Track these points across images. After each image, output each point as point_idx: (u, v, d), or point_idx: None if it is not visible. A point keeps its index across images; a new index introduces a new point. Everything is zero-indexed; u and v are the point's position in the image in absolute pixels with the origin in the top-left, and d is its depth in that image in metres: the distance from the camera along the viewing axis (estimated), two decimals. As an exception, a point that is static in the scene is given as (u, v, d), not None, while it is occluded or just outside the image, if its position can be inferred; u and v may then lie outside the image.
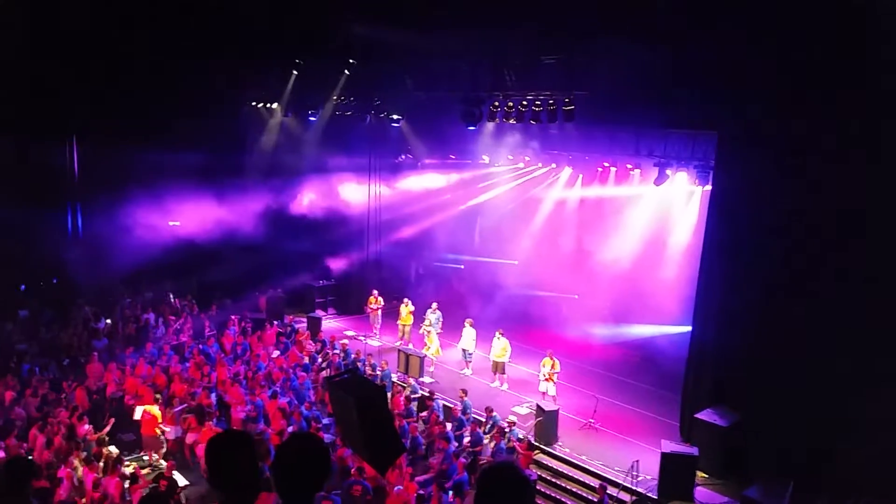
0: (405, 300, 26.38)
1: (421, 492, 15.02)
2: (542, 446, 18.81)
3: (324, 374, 22.10)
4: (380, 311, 27.43)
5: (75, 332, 24.45)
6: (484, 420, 19.02)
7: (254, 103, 29.10)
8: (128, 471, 15.89)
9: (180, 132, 24.85)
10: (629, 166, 24.73)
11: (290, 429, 17.67)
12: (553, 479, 17.99)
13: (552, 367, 20.59)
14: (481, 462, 17.33)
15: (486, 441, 18.18)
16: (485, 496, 3.61)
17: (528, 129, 24.19)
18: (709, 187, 19.90)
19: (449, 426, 18.65)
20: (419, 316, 25.65)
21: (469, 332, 23.53)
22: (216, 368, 21.75)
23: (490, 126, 24.43)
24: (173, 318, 26.40)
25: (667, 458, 16.20)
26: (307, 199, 29.72)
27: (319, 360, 23.49)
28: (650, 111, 18.89)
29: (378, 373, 21.87)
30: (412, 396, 20.73)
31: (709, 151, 19.69)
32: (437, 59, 22.72)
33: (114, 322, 25.86)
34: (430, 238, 31.31)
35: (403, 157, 31.32)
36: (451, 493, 15.60)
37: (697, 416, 17.73)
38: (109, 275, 27.24)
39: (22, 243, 25.42)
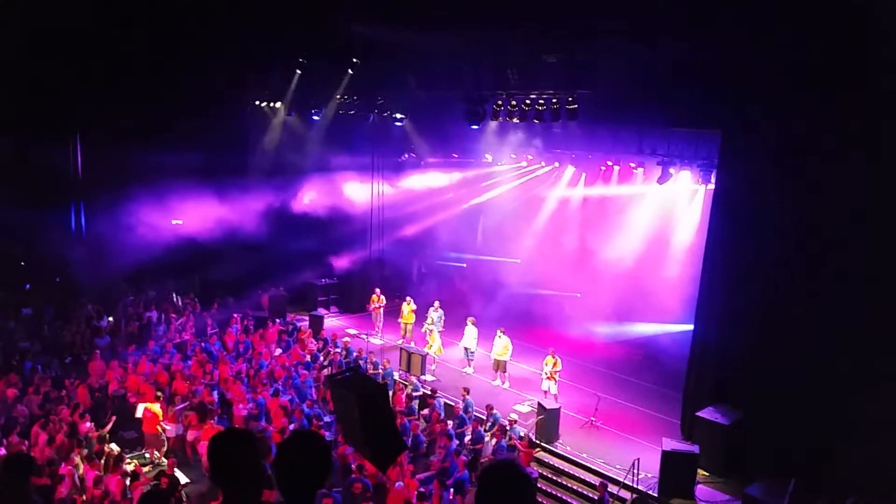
0: (407, 298, 26.39)
1: (422, 489, 15.04)
2: (543, 444, 18.83)
3: (325, 372, 22.13)
4: (382, 310, 27.45)
5: (78, 330, 24.48)
6: (485, 418, 19.05)
7: (257, 102, 29.14)
8: (129, 468, 15.94)
9: (183, 131, 24.89)
10: (632, 165, 24.77)
11: (291, 426, 17.70)
12: (554, 477, 18.00)
13: (554, 365, 20.62)
14: (482, 460, 17.37)
15: (487, 439, 18.20)
16: (486, 494, 3.64)
17: (531, 128, 24.19)
18: (712, 186, 19.92)
19: (450, 424, 18.68)
20: (421, 314, 25.66)
21: (471, 331, 23.55)
22: (218, 366, 21.78)
23: (493, 125, 24.39)
24: (175, 316, 26.43)
25: (668, 457, 16.23)
26: (310, 198, 29.71)
27: (321, 358, 23.53)
28: (653, 110, 18.90)
29: (380, 371, 21.91)
30: (414, 394, 20.75)
31: (712, 150, 19.67)
32: (439, 58, 22.71)
33: (116, 320, 25.90)
34: (433, 237, 31.35)
35: (406, 155, 31.33)
36: (451, 490, 15.62)
37: (699, 414, 17.75)
38: (112, 273, 27.26)
39: (25, 243, 25.49)
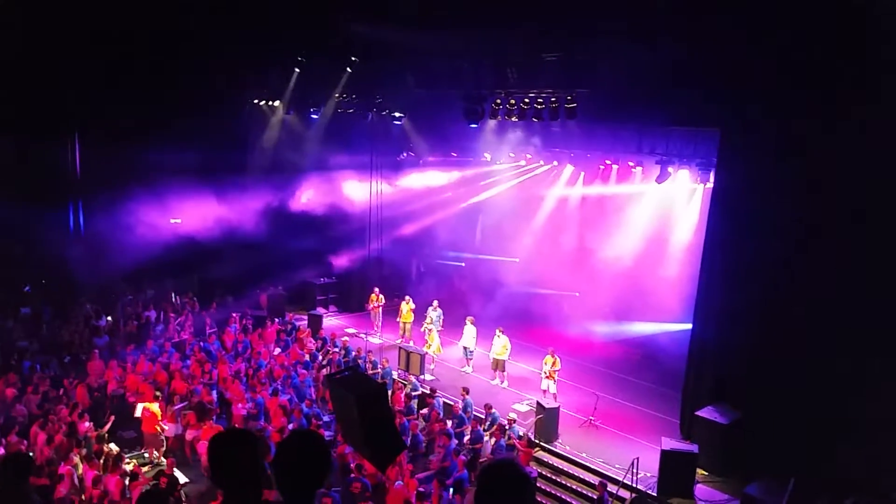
0: (406, 297, 26.40)
1: (421, 489, 15.04)
2: (542, 444, 18.83)
3: (324, 371, 22.12)
4: (381, 309, 27.44)
5: (76, 329, 24.48)
6: (483, 417, 19.05)
7: (256, 101, 29.12)
8: (128, 468, 15.93)
9: (181, 130, 24.84)
10: (631, 164, 24.77)
11: (290, 426, 17.70)
12: (553, 477, 18.01)
13: (553, 364, 20.61)
14: (481, 459, 17.37)
15: (486, 438, 18.20)
16: (485, 493, 3.63)
17: (530, 127, 24.18)
18: (711, 185, 19.92)
19: (449, 423, 18.68)
20: (420, 313, 25.66)
21: (470, 330, 23.55)
22: (217, 366, 21.77)
23: (492, 123, 24.40)
24: (173, 315, 26.42)
25: (667, 456, 16.22)
26: (308, 197, 29.70)
27: (320, 357, 23.52)
28: (652, 109, 18.92)
29: (379, 370, 21.91)
30: (413, 394, 20.75)
31: (711, 149, 19.64)
32: (438, 56, 22.71)
33: (115, 319, 25.89)
34: (432, 236, 31.35)
35: (405, 154, 31.32)
36: (451, 490, 15.62)
37: (698, 413, 17.75)
38: (110, 272, 27.27)
39: (24, 242, 25.47)
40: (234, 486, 3.83)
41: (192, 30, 22.62)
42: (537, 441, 18.81)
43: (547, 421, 18.96)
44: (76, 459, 15.86)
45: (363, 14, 21.40)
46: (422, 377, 22.41)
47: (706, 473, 17.14)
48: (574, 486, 17.60)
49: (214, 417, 18.79)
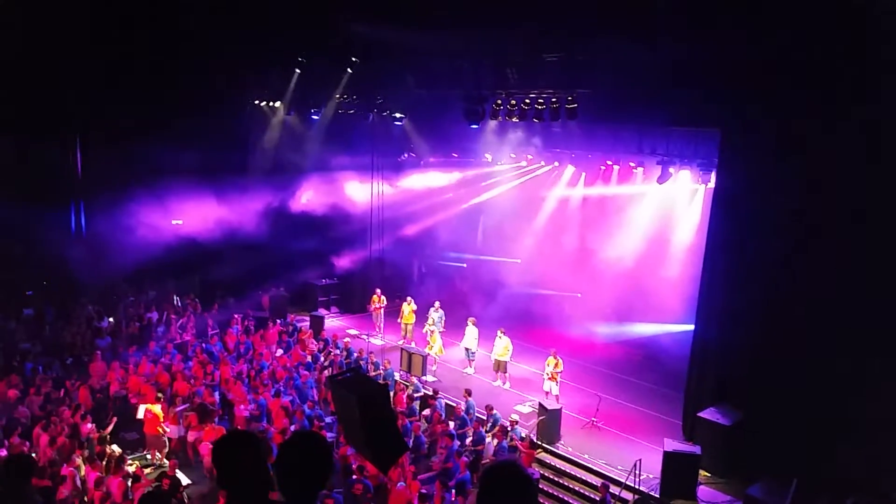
0: (408, 299, 26.38)
1: (423, 490, 15.05)
2: (544, 445, 18.82)
3: (326, 372, 22.12)
4: (382, 310, 27.44)
5: (79, 330, 24.49)
6: (485, 418, 19.04)
7: (256, 102, 29.12)
8: (130, 469, 15.95)
9: (183, 131, 24.84)
10: (632, 164, 24.74)
11: (292, 427, 17.71)
12: (555, 478, 17.99)
13: (555, 366, 20.60)
14: (484, 461, 17.36)
15: (488, 440, 18.20)
16: (487, 495, 3.63)
17: (531, 128, 24.19)
18: (712, 185, 19.91)
19: (451, 425, 18.68)
20: (421, 314, 25.64)
21: (472, 331, 23.54)
22: (219, 367, 21.78)
23: (492, 124, 24.37)
24: (175, 316, 26.41)
25: (669, 457, 16.21)
26: (309, 198, 29.70)
27: (322, 358, 23.52)
28: (652, 109, 18.92)
29: (380, 372, 21.90)
30: (415, 395, 20.76)
31: (712, 150, 19.60)
32: (439, 57, 22.72)
33: (117, 321, 25.91)
34: (433, 236, 31.35)
35: (406, 155, 31.32)
36: (453, 491, 15.62)
37: (700, 414, 17.74)
38: (112, 273, 27.29)
39: (25, 242, 25.49)
40: (238, 488, 3.84)
41: (192, 30, 22.65)
42: (539, 442, 18.81)
43: (549, 422, 18.95)
44: (78, 461, 15.88)
45: (363, 14, 21.41)
46: (424, 378, 22.41)
47: (709, 475, 17.13)
48: (576, 488, 17.59)
49: (217, 419, 18.80)
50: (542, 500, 17.15)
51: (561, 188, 28.71)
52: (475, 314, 24.30)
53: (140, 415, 18.46)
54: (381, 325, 27.51)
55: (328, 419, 19.04)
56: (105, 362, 21.62)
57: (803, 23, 14.75)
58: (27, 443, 16.50)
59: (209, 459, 16.46)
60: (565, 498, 17.46)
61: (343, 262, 30.50)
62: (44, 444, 16.35)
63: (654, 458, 16.79)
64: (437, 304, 25.22)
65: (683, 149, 21.76)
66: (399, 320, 26.22)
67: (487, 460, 17.38)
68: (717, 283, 18.31)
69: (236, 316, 26.29)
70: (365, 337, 26.57)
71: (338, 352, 23.68)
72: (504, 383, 22.56)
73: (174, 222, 27.09)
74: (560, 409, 19.42)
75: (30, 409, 18.56)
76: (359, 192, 29.75)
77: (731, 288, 17.86)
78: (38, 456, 15.85)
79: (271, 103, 28.93)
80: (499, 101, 21.72)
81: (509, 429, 18.15)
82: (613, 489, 16.25)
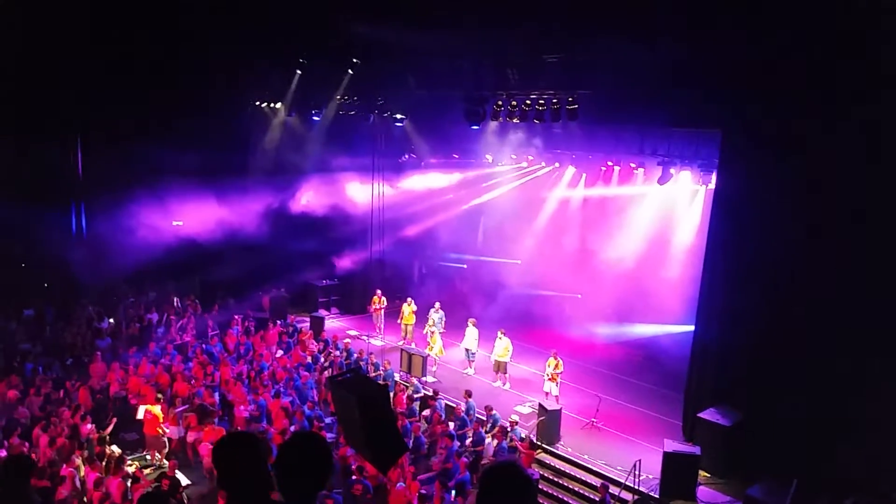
0: (408, 299, 26.37)
1: (423, 491, 15.05)
2: (544, 445, 18.82)
3: (326, 373, 22.12)
4: (383, 311, 27.44)
5: (79, 331, 24.50)
6: (485, 419, 19.04)
7: (257, 103, 29.13)
8: (130, 470, 15.95)
9: (183, 132, 24.85)
10: (633, 165, 24.75)
11: (292, 428, 17.71)
12: (555, 479, 17.98)
13: (556, 367, 20.59)
14: (483, 461, 17.36)
15: (488, 440, 18.19)
16: (487, 495, 3.63)
17: (532, 129, 24.23)
18: (712, 186, 19.92)
19: (451, 425, 18.68)
20: (422, 315, 25.63)
21: (472, 332, 23.53)
22: (219, 368, 21.79)
23: (493, 125, 24.39)
24: (174, 318, 26.41)
25: (669, 458, 16.21)
26: (309, 199, 29.70)
27: (322, 359, 23.52)
28: (653, 110, 18.90)
29: (380, 372, 21.90)
30: (415, 396, 20.76)
31: (712, 150, 19.62)
32: (439, 58, 22.73)
33: (117, 322, 25.91)
34: (434, 237, 31.37)
35: (407, 156, 31.34)
36: (453, 492, 15.62)
37: (700, 415, 17.74)
38: (112, 274, 27.28)
39: (25, 243, 25.48)
40: (239, 489, 3.84)
41: (192, 30, 22.65)
42: (539, 443, 18.80)
43: (549, 423, 18.94)
44: (78, 461, 15.88)
45: (364, 15, 21.41)
46: (424, 379, 22.40)
47: (708, 475, 17.12)
48: (576, 489, 17.58)
49: (216, 419, 18.80)
50: (541, 501, 17.15)
51: (561, 189, 28.73)
52: (475, 315, 24.30)
53: (140, 415, 18.46)
54: (382, 325, 27.51)
55: (328, 420, 19.04)
56: (105, 363, 21.61)
57: (803, 23, 14.76)
58: (27, 443, 16.50)
59: (209, 460, 16.47)
60: (565, 498, 17.44)
61: (343, 262, 30.51)
62: (43, 444, 16.35)
63: (654, 458, 16.78)
64: (437, 304, 25.21)
65: (684, 149, 21.78)
66: (399, 321, 26.22)
67: (487, 461, 17.36)
68: (717, 284, 18.31)
69: (236, 317, 26.29)
70: (365, 338, 26.58)
71: (338, 353, 23.68)
72: (504, 384, 22.55)
73: (175, 223, 27.07)
74: (560, 410, 19.42)
75: (30, 409, 18.56)
76: (359, 192, 29.77)
77: (731, 288, 17.85)
78: (37, 456, 15.87)
79: (272, 104, 28.93)
80: (499, 102, 21.74)
81: (509, 429, 18.15)
82: (613, 490, 16.25)
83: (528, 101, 21.18)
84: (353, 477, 15.56)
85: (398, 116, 27.31)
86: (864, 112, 14.34)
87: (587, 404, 20.48)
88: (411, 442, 17.70)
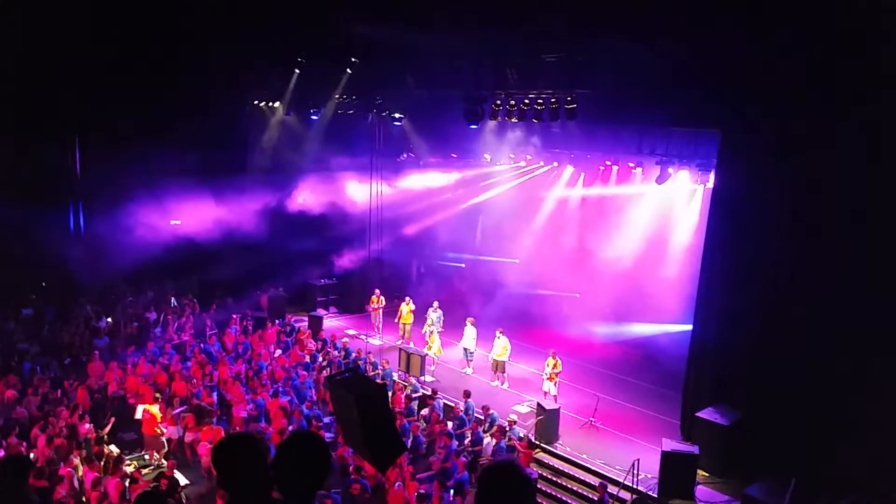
0: (406, 299, 26.37)
1: (422, 490, 15.03)
2: (542, 445, 18.82)
3: (325, 373, 22.10)
4: (381, 311, 27.43)
5: (77, 330, 24.47)
6: (483, 419, 19.03)
7: (255, 102, 29.11)
8: (129, 470, 15.93)
9: (182, 131, 24.79)
10: (631, 164, 24.74)
11: (290, 427, 17.70)
12: (554, 478, 17.99)
13: (554, 367, 20.58)
14: (482, 461, 17.35)
15: (486, 440, 18.18)
16: (486, 495, 3.63)
17: (530, 128, 24.23)
18: (710, 185, 19.91)
19: (450, 425, 18.67)
20: (420, 315, 25.63)
21: (470, 331, 23.52)
22: (218, 367, 21.77)
23: (492, 124, 24.40)
24: (171, 318, 26.37)
25: (667, 457, 16.21)
26: (308, 198, 29.69)
27: (320, 358, 23.51)
28: (652, 109, 18.91)
29: (379, 372, 21.89)
30: (413, 395, 20.75)
31: (711, 150, 19.61)
32: (438, 57, 22.69)
33: (115, 321, 25.87)
34: (432, 237, 31.36)
35: (405, 155, 31.33)
36: (451, 491, 15.61)
37: (698, 414, 17.75)
38: (111, 274, 27.26)
39: (23, 242, 25.44)
40: (239, 490, 3.83)
41: (191, 30, 22.63)
42: (538, 442, 18.80)
43: (547, 422, 18.95)
44: (76, 461, 15.86)
45: (363, 14, 21.38)
46: (422, 379, 22.40)
47: (707, 474, 17.13)
48: (574, 488, 17.58)
49: (215, 419, 18.78)
50: (540, 500, 17.15)
51: (560, 188, 28.72)
52: (474, 314, 24.31)
53: (138, 415, 18.44)
54: (380, 325, 27.49)
55: (326, 419, 19.04)
56: (103, 362, 21.58)
57: (803, 23, 14.75)
58: (24, 443, 16.48)
59: (207, 459, 16.46)
60: (563, 498, 17.45)
61: (342, 262, 30.49)
62: (41, 444, 16.32)
63: (653, 457, 16.79)
64: (435, 304, 25.19)
65: (683, 149, 21.78)
66: (397, 320, 26.20)
67: (486, 460, 17.36)
68: (715, 283, 18.31)
69: (235, 316, 26.29)
70: (363, 337, 26.57)
71: (336, 352, 23.69)
72: (502, 383, 22.54)
73: (173, 222, 27.05)
74: (558, 409, 19.43)
75: (28, 409, 18.53)
76: (358, 192, 29.72)
77: (729, 288, 17.86)
78: (35, 456, 15.85)
79: (270, 103, 28.92)
80: (498, 102, 21.71)
81: (507, 429, 18.14)
82: (612, 489, 16.26)
83: (526, 101, 21.15)
84: (352, 476, 15.55)
85: (396, 115, 27.27)
86: (864, 112, 14.34)
87: (586, 404, 20.47)
88: (410, 441, 17.69)
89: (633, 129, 22.82)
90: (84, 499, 14.95)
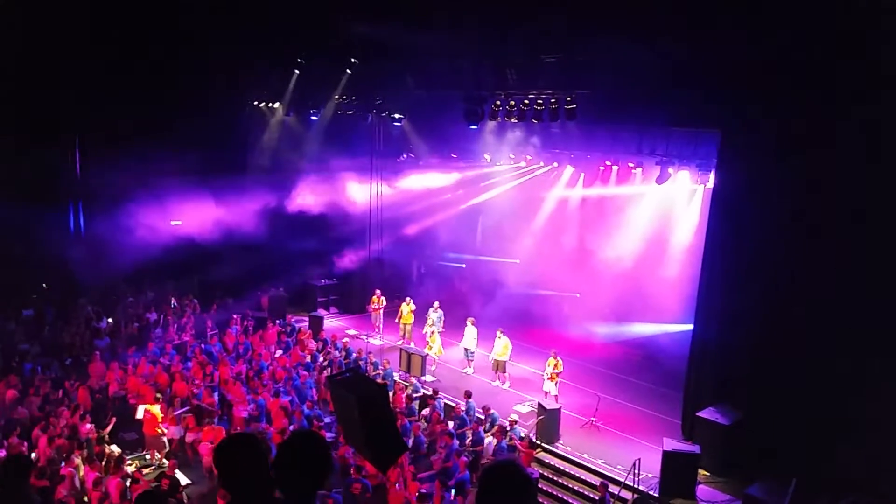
0: (406, 299, 26.36)
1: (423, 489, 15.04)
2: (543, 444, 18.82)
3: (326, 373, 22.11)
4: (382, 311, 27.43)
5: (77, 331, 24.47)
6: (483, 418, 19.03)
7: (255, 102, 29.12)
8: (130, 469, 15.94)
9: (181, 131, 24.78)
10: (631, 165, 24.73)
11: (291, 427, 17.70)
12: (555, 478, 17.99)
13: (555, 367, 20.58)
14: (483, 461, 17.35)
15: (487, 440, 18.18)
16: (487, 494, 3.63)
17: (530, 128, 24.23)
18: (710, 185, 19.91)
19: (450, 425, 18.67)
20: (420, 315, 25.63)
21: (471, 331, 23.53)
22: (218, 367, 21.77)
23: (491, 125, 24.39)
24: (172, 318, 26.38)
25: (669, 457, 16.21)
26: (309, 199, 29.69)
27: (321, 359, 23.51)
28: (652, 109, 18.90)
29: (380, 371, 21.89)
30: (414, 395, 20.75)
31: (711, 150, 19.60)
32: (438, 58, 22.72)
33: (116, 321, 25.88)
34: (432, 237, 31.34)
35: (405, 155, 31.33)
36: (453, 491, 15.61)
37: (699, 414, 17.75)
38: (111, 274, 27.26)
39: (24, 242, 25.45)
40: (242, 491, 3.84)
41: (191, 30, 22.64)
42: (539, 442, 18.80)
43: (548, 422, 18.95)
44: (78, 461, 15.87)
45: (363, 15, 21.39)
46: (423, 379, 22.40)
47: (708, 474, 17.13)
48: (575, 487, 17.58)
49: (216, 419, 18.79)
50: (541, 500, 17.14)
51: (560, 189, 28.71)
52: (474, 314, 24.30)
53: (139, 415, 18.45)
54: (380, 325, 27.49)
55: (327, 419, 19.04)
56: (104, 363, 21.58)
57: (803, 23, 14.75)
58: (25, 443, 16.48)
59: (208, 459, 16.48)
60: (564, 497, 17.45)
61: (342, 262, 30.48)
62: (43, 444, 16.33)
63: (654, 457, 16.78)
64: (436, 304, 25.20)
65: (683, 149, 21.76)
66: (397, 321, 26.20)
67: (487, 460, 17.36)
68: (716, 283, 18.31)
69: (235, 316, 26.29)
70: (364, 337, 26.57)
71: (337, 352, 23.69)
72: (503, 383, 22.54)
73: (173, 223, 27.06)
74: (559, 409, 19.43)
75: (29, 409, 18.53)
76: (358, 192, 29.74)
77: (730, 288, 17.86)
78: (37, 456, 15.86)
79: (270, 104, 28.94)
80: (498, 102, 21.72)
81: (508, 428, 18.14)
82: (613, 488, 16.25)
83: (526, 101, 21.16)
84: (353, 476, 15.55)
85: (396, 116, 27.29)
86: (864, 112, 14.34)
87: (586, 403, 20.48)
88: (411, 441, 17.70)
89: (632, 130, 22.80)
90: (85, 498, 14.96)
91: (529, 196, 29.54)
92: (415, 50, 22.05)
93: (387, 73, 25.43)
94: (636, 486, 16.49)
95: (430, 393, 20.45)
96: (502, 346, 22.33)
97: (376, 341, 26.69)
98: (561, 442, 18.99)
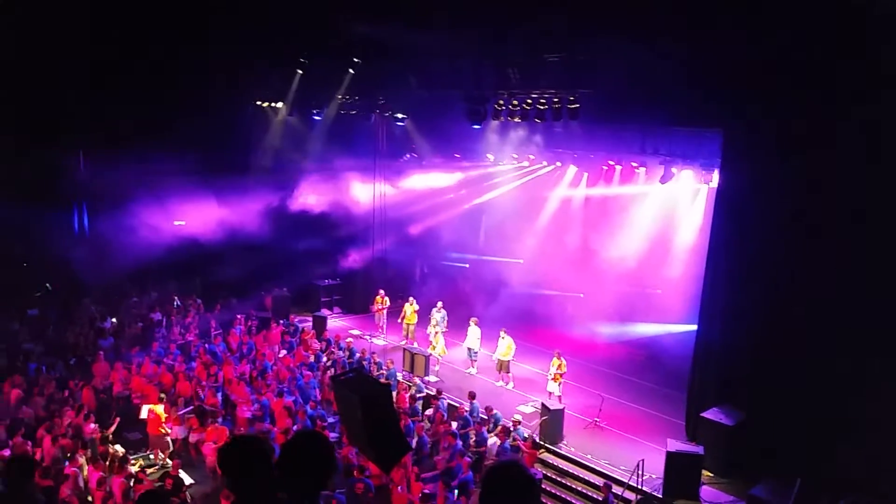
0: (410, 299, 26.37)
1: (426, 490, 15.05)
2: (547, 445, 18.82)
3: (329, 373, 22.12)
4: (385, 311, 27.44)
5: (81, 331, 24.52)
6: (486, 419, 19.04)
7: (258, 102, 29.14)
8: (134, 469, 15.98)
9: (184, 132, 24.81)
10: (634, 164, 24.69)
11: (295, 427, 17.72)
12: (558, 478, 18.00)
13: (559, 367, 20.57)
14: (486, 461, 17.36)
15: (491, 440, 18.19)
16: (490, 494, 3.66)
17: (533, 128, 24.23)
18: (714, 185, 19.90)
19: (454, 425, 18.68)
20: (424, 315, 25.63)
21: (474, 331, 23.52)
22: (222, 367, 21.80)
23: (494, 124, 24.38)
24: (176, 318, 26.41)
25: (672, 457, 16.22)
26: (312, 199, 29.71)
27: (325, 359, 23.54)
28: (654, 109, 18.85)
29: (383, 371, 21.91)
30: (417, 395, 20.77)
31: (714, 149, 19.56)
32: (440, 57, 22.71)
33: (120, 321, 25.93)
34: (436, 237, 31.31)
35: (408, 155, 31.32)
36: (456, 491, 15.63)
37: (703, 414, 17.73)
38: (115, 274, 27.29)
39: (28, 243, 25.50)
40: (246, 492, 3.87)
41: (193, 30, 22.67)
42: (542, 442, 18.80)
43: (552, 422, 18.94)
44: (81, 460, 15.91)
45: (365, 15, 21.41)
46: (426, 379, 22.41)
47: (712, 475, 17.11)
48: (579, 488, 17.59)
49: (220, 419, 18.82)
50: (544, 501, 17.15)
51: (563, 188, 28.68)
52: (477, 314, 24.29)
53: (143, 415, 18.49)
54: (384, 325, 27.51)
55: (331, 419, 19.06)
56: (108, 363, 21.64)
57: (803, 23, 14.75)
58: (30, 443, 16.53)
59: (212, 459, 16.51)
60: (568, 498, 17.45)
61: (346, 262, 30.48)
62: (47, 444, 16.39)
63: (657, 458, 16.78)
64: (439, 304, 25.21)
65: (686, 148, 21.74)
66: (400, 321, 26.21)
67: (490, 460, 17.37)
68: (719, 283, 18.30)
69: (239, 316, 26.32)
70: (367, 337, 26.58)
71: (340, 352, 23.70)
72: (507, 383, 22.55)
73: (176, 223, 27.10)
74: (563, 410, 19.41)
75: (33, 409, 18.59)
76: (361, 192, 29.76)
77: (733, 288, 17.85)
78: (41, 455, 15.91)
79: (273, 104, 28.96)
80: (500, 102, 21.74)
81: (512, 429, 18.15)
82: (616, 489, 16.25)
83: (528, 101, 21.17)
84: (356, 476, 15.57)
85: (399, 116, 27.31)
86: (864, 112, 14.34)
87: (590, 404, 20.48)
88: (414, 441, 17.70)
89: (635, 129, 22.78)
90: (89, 498, 15.02)
91: (533, 196, 29.50)
92: (417, 50, 22.08)
93: (389, 73, 25.43)
94: (640, 486, 16.50)
95: (433, 393, 20.47)
96: (506, 346, 22.34)
97: (380, 341, 26.70)
98: (564, 442, 18.99)
